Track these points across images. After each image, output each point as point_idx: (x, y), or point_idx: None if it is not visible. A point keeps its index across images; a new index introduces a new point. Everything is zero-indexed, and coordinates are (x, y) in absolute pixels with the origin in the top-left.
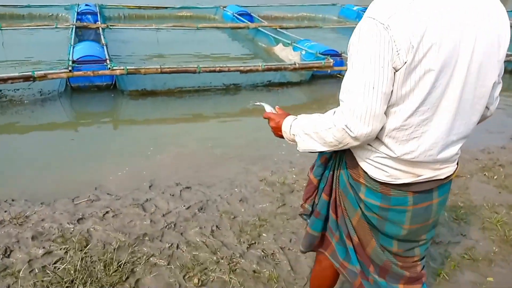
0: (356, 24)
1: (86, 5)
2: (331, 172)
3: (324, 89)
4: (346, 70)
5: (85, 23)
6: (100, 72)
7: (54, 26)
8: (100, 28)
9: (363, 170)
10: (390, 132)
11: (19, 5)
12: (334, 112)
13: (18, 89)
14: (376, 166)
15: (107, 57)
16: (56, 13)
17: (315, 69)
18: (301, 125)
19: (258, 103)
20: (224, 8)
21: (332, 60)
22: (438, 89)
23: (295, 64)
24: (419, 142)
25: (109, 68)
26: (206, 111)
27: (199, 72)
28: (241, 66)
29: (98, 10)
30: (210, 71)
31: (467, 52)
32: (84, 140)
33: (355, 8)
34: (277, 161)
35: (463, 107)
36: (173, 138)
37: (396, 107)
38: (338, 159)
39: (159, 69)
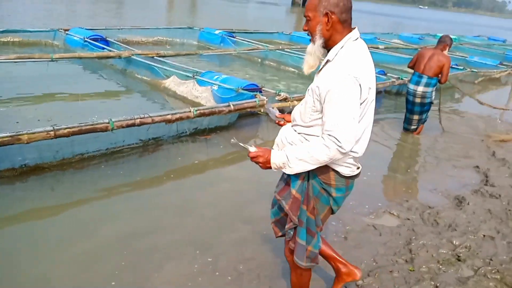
0: (222, 49)
1: None
2: (307, 187)
3: (251, 130)
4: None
5: None
6: None
7: None
8: None
9: (335, 173)
10: (357, 140)
11: None
12: (323, 138)
13: None
14: (346, 166)
15: None
16: None
17: (249, 110)
18: (292, 154)
19: (242, 145)
20: (67, 32)
21: (265, 98)
22: (371, 112)
23: (229, 105)
24: (364, 144)
25: None
26: (132, 183)
27: (112, 130)
28: (168, 115)
29: None
30: (128, 126)
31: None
32: None
33: (217, 32)
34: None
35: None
36: (118, 250)
37: (359, 125)
38: (309, 175)
39: (53, 133)
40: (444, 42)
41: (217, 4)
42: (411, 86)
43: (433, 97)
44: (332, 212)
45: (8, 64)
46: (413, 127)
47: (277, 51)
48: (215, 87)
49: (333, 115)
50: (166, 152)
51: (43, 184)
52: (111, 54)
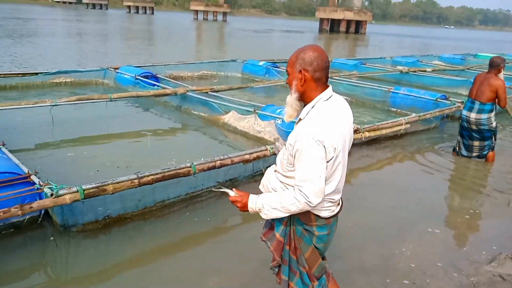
0: (272, 80)
1: None
2: (289, 229)
3: None
4: None
5: None
6: (35, 204)
7: None
8: None
9: (315, 216)
10: (332, 192)
11: None
12: (294, 190)
13: None
14: (325, 210)
15: (25, 170)
16: None
17: None
18: (267, 202)
19: (223, 189)
20: (117, 71)
21: None
22: (344, 162)
23: None
24: (339, 190)
25: (52, 195)
26: (218, 229)
27: (194, 174)
28: (246, 154)
29: None
30: (209, 169)
31: (348, 139)
32: None
33: (261, 63)
34: None
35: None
36: None
37: (331, 179)
38: (291, 220)
39: (137, 181)
40: (497, 66)
41: (242, 35)
42: (464, 112)
43: (493, 123)
44: (319, 251)
45: (67, 107)
46: (475, 154)
47: None
48: (279, 121)
49: (302, 172)
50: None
51: (125, 235)
52: (167, 91)
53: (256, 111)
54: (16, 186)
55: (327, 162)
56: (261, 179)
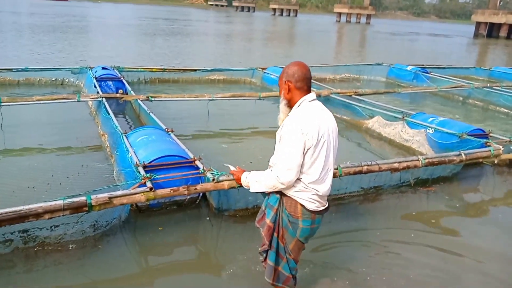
0: (422, 87)
1: (104, 68)
2: (278, 218)
3: (475, 183)
4: None
5: (115, 94)
6: (199, 187)
7: (75, 99)
8: (139, 101)
9: (301, 206)
10: (315, 181)
11: (13, 69)
12: (271, 170)
13: (57, 226)
14: (310, 201)
15: (191, 155)
16: (61, 78)
17: (481, 160)
18: (253, 177)
19: (226, 165)
20: (265, 71)
21: (500, 147)
22: (326, 156)
23: (460, 154)
24: (325, 184)
25: (213, 180)
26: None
27: (340, 176)
28: (395, 163)
29: (120, 75)
30: (355, 173)
31: (332, 138)
32: None
33: (409, 68)
34: None
35: (332, 164)
36: None
37: (313, 167)
38: (280, 209)
39: None
40: None
41: (384, 38)
42: None
43: None
44: (302, 243)
45: (220, 101)
46: None
47: (484, 89)
48: (431, 131)
49: (279, 155)
50: (385, 202)
51: None
52: None
53: (405, 118)
54: (183, 169)
55: (308, 149)
56: (407, 190)
